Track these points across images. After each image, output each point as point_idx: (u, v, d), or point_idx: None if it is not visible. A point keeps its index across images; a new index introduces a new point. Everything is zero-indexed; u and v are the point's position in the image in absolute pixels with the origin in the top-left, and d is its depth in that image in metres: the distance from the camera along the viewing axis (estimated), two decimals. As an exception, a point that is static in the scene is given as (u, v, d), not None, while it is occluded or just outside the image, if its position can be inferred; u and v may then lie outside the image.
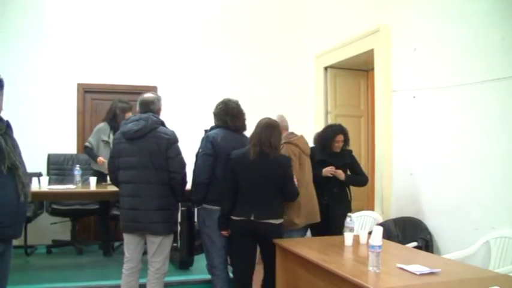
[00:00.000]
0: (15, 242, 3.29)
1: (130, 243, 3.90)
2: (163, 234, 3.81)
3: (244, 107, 4.14)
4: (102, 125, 5.55)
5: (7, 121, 3.15)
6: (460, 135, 4.21)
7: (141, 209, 3.75)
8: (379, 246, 2.79)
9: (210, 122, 4.16)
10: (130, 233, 3.88)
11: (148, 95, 4.03)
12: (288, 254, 3.63)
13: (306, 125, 6.39)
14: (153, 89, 6.32)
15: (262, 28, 7.06)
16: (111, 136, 5.22)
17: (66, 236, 6.09)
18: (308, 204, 4.14)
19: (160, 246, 3.83)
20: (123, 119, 4.99)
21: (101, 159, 5.20)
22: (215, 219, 3.92)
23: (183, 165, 3.88)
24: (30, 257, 5.68)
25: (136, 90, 5.42)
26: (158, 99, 4.02)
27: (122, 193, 3.90)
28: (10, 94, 3.42)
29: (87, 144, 5.46)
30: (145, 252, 3.95)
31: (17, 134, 3.20)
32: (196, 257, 4.94)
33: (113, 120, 5.45)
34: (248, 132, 4.04)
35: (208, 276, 4.18)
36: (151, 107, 3.92)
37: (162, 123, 3.90)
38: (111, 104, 5.66)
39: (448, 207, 4.29)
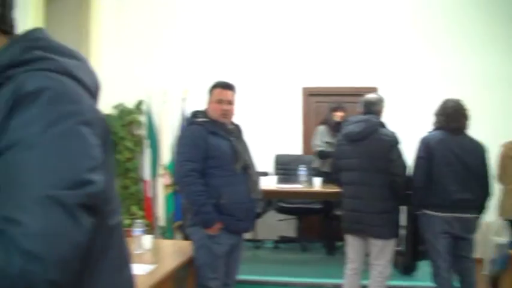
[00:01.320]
0: (245, 236, 3.58)
1: (352, 245, 3.92)
2: (385, 237, 3.75)
3: (470, 106, 3.86)
4: (321, 127, 5.73)
5: (238, 125, 3.44)
6: None
7: (363, 211, 3.75)
8: None
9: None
10: (352, 234, 3.90)
11: (371, 96, 4.01)
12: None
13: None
14: (373, 90, 6.24)
15: (480, 23, 6.48)
16: (330, 137, 5.41)
17: (292, 233, 6.36)
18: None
19: (382, 250, 3.77)
20: (331, 118, 5.16)
21: None
22: (432, 225, 3.75)
23: (404, 167, 3.77)
24: (258, 250, 6.08)
25: (357, 92, 5.43)
26: (381, 100, 3.96)
27: (344, 194, 3.95)
28: (241, 99, 3.71)
29: (319, 148, 5.65)
30: (367, 254, 3.94)
31: (247, 136, 3.47)
32: (421, 263, 4.76)
33: (329, 121, 5.62)
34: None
35: (432, 284, 3.99)
36: (372, 108, 3.89)
37: (383, 125, 3.85)
38: (328, 106, 5.88)
39: None
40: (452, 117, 3.77)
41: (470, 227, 3.80)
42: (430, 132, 3.91)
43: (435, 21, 6.59)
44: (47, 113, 0.87)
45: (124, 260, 1.13)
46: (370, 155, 3.73)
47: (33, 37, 1.00)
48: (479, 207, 3.81)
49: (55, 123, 0.87)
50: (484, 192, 3.79)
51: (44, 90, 0.88)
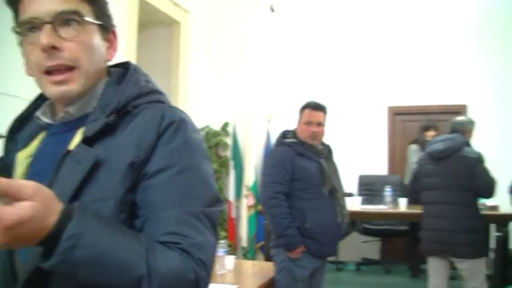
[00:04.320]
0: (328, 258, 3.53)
1: (434, 267, 3.79)
2: (470, 257, 3.57)
3: None
4: (413, 146, 5.60)
5: (328, 145, 3.39)
6: None
7: (448, 230, 3.61)
8: None
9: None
10: (433, 255, 3.77)
11: (459, 118, 3.94)
12: None
13: None
14: (462, 108, 6.04)
15: None
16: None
17: (375, 255, 6.25)
18: None
19: (472, 271, 3.59)
20: (424, 137, 5.01)
21: None
22: None
23: (488, 185, 3.60)
24: (341, 272, 6.03)
25: (445, 110, 5.25)
26: (469, 122, 3.87)
27: (425, 214, 3.84)
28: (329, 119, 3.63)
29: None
30: (452, 278, 3.75)
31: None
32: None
33: (420, 141, 5.46)
34: None
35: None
36: (458, 128, 3.79)
37: (468, 144, 3.72)
38: (420, 125, 5.69)
39: None
40: None
41: None
42: None
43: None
44: (190, 141, 0.99)
45: None
46: (455, 173, 3.62)
47: (141, 71, 1.11)
48: None
49: (196, 150, 1.00)
50: None
51: (183, 120, 1.00)
